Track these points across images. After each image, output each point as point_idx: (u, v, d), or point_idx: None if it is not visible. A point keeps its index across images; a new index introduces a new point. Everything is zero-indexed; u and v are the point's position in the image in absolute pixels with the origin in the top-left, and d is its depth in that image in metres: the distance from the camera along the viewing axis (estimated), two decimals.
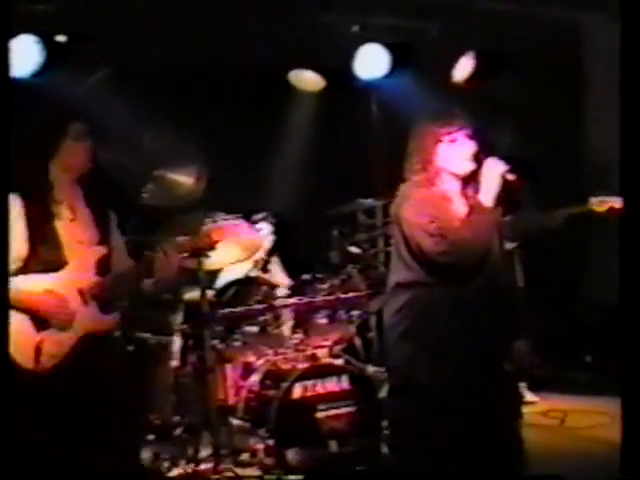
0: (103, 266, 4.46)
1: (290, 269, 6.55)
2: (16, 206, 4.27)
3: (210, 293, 5.82)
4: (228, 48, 7.07)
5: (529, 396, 7.42)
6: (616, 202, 5.54)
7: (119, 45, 6.62)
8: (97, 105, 6.48)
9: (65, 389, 4.29)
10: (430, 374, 4.28)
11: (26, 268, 4.28)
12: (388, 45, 7.85)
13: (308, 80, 7.86)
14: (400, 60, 7.91)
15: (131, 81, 6.80)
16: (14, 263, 4.22)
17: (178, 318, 5.89)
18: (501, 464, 4.33)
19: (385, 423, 5.79)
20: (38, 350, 4.26)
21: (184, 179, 5.51)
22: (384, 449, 5.78)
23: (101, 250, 4.47)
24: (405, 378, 4.43)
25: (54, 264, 4.33)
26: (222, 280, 6.26)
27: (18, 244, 4.23)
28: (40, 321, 4.28)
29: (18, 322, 4.21)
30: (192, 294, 5.80)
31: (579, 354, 8.39)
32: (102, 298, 4.44)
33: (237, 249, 5.80)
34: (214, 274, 6.16)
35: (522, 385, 7.52)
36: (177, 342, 5.85)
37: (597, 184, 7.80)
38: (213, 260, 5.44)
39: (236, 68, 7.25)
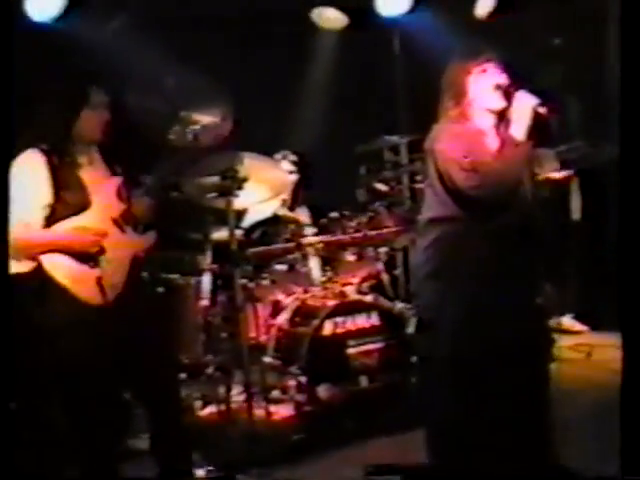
0: (123, 193, 4.62)
1: (316, 208, 6.55)
2: (36, 158, 4.38)
3: (238, 232, 5.83)
4: None
5: (577, 326, 7.49)
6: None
7: None
8: (119, 50, 6.49)
9: (114, 324, 4.41)
10: (459, 310, 4.27)
11: (54, 214, 4.39)
12: None
13: (331, 18, 7.82)
14: None
15: (152, 25, 6.78)
16: (42, 210, 4.36)
17: (207, 258, 5.92)
18: (529, 402, 4.34)
19: (414, 358, 5.84)
20: (100, 284, 4.39)
21: (210, 119, 5.50)
22: (413, 384, 5.83)
23: (117, 179, 4.64)
24: (435, 314, 4.43)
25: (80, 206, 4.44)
26: (250, 219, 6.28)
27: (43, 193, 4.36)
28: (87, 258, 4.38)
29: (69, 263, 4.37)
30: (220, 234, 5.82)
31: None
32: (135, 221, 4.63)
33: (264, 188, 5.81)
34: (242, 213, 6.18)
35: (569, 316, 7.60)
36: (206, 282, 5.89)
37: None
38: (241, 200, 5.45)
39: (259, 7, 7.22)
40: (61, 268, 4.35)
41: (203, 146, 5.35)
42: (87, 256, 4.39)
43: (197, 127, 5.14)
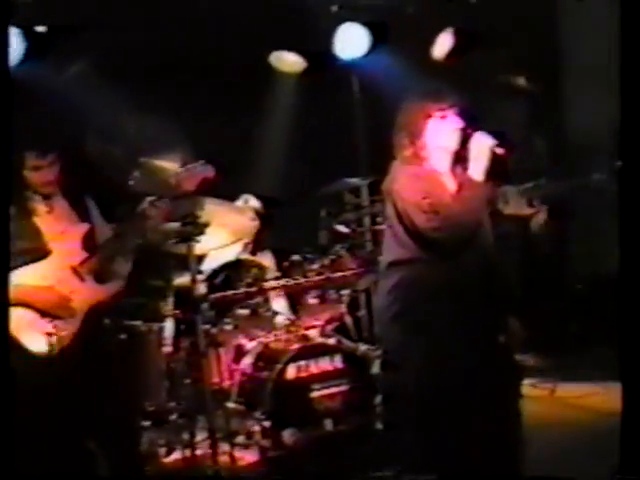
0: (89, 241, 4.64)
1: (279, 251, 6.55)
2: None
3: (200, 278, 5.82)
4: (208, 33, 7.06)
5: (541, 362, 7.56)
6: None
7: (100, 35, 6.60)
8: (79, 95, 6.48)
9: (66, 375, 4.37)
10: (425, 352, 4.29)
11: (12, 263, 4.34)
12: (366, 24, 7.87)
13: (289, 62, 7.86)
14: (379, 39, 7.93)
15: (113, 70, 6.77)
16: None
17: (169, 304, 5.90)
18: (498, 438, 4.36)
19: (379, 400, 5.83)
20: (49, 336, 4.39)
21: (169, 165, 5.50)
22: (378, 426, 5.82)
23: (84, 227, 4.65)
24: (400, 356, 4.43)
25: (38, 254, 4.43)
26: (212, 264, 6.27)
27: None
28: (45, 313, 4.37)
29: (23, 313, 4.39)
30: (182, 279, 5.80)
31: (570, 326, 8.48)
32: (96, 270, 4.60)
33: (226, 232, 5.81)
34: (203, 258, 6.17)
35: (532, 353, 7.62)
36: (169, 328, 5.87)
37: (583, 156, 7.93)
38: (202, 245, 5.44)
39: (217, 53, 7.25)
40: (14, 318, 4.33)
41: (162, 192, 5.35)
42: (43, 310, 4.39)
43: (156, 173, 5.14)
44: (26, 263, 4.44)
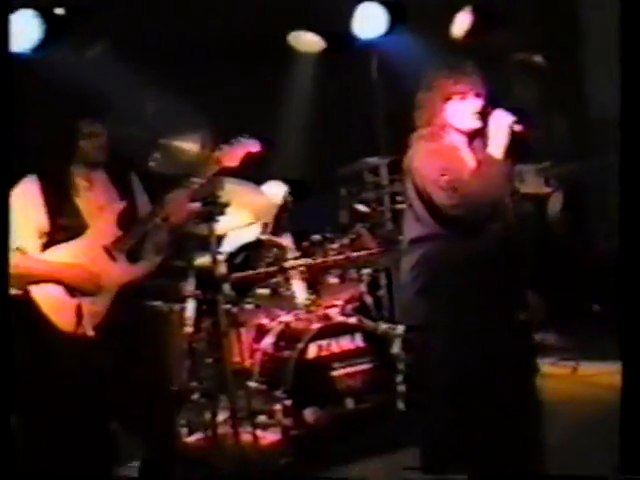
0: (125, 220, 4.60)
1: (299, 231, 6.56)
2: (32, 185, 4.48)
3: (221, 258, 5.84)
4: (228, 13, 7.06)
5: (562, 341, 7.58)
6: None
7: (118, 16, 6.61)
8: (99, 77, 6.49)
9: (94, 355, 4.43)
10: (449, 325, 4.31)
11: (51, 241, 4.47)
12: (385, 3, 7.85)
13: (308, 42, 7.86)
14: (397, 18, 7.92)
15: (132, 51, 6.79)
16: (40, 238, 4.45)
17: (190, 284, 5.92)
18: (518, 418, 4.37)
19: (399, 379, 5.85)
20: (79, 314, 4.41)
21: (190, 146, 5.52)
22: (399, 405, 5.84)
23: (121, 205, 4.62)
24: (426, 330, 4.45)
25: (76, 231, 4.50)
26: (233, 244, 6.28)
27: (38, 220, 4.45)
28: (73, 289, 4.43)
29: (53, 289, 4.43)
30: (203, 259, 5.82)
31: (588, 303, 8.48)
32: (129, 249, 4.59)
33: (246, 213, 5.82)
34: (224, 238, 6.18)
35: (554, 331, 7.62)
36: (190, 308, 5.89)
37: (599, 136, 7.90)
38: (223, 225, 5.46)
39: (236, 33, 7.25)
40: (43, 296, 4.37)
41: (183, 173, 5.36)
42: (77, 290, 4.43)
43: (177, 154, 5.16)
44: (63, 241, 4.48)
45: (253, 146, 4.91)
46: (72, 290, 4.45)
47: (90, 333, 4.43)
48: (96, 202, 4.57)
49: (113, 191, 4.65)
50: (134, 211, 4.66)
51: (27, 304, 4.40)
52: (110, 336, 4.47)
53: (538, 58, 8.09)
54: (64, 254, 4.49)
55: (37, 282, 4.41)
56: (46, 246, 4.46)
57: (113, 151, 4.66)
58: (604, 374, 6.80)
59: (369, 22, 7.86)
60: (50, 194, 4.47)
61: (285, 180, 6.51)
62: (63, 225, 4.46)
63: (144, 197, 4.78)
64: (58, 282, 4.43)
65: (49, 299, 4.41)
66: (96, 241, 4.52)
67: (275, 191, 6.38)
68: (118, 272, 4.57)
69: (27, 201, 4.43)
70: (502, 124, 4.24)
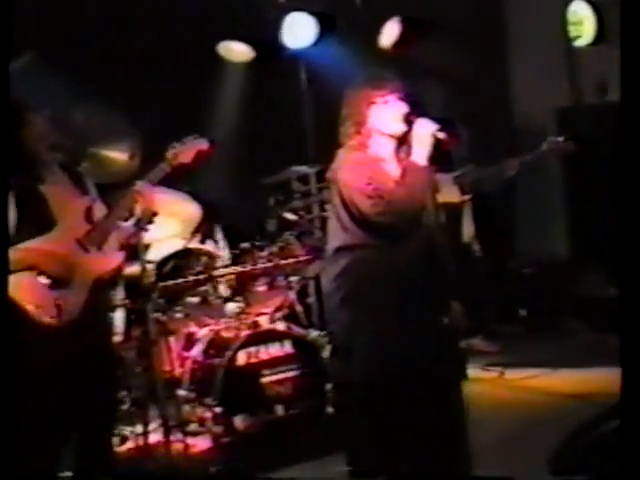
0: (91, 215, 4.68)
1: (229, 238, 6.58)
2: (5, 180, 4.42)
3: (150, 267, 5.84)
4: (157, 23, 7.07)
5: (488, 346, 7.66)
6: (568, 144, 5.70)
7: (46, 25, 6.60)
8: (27, 86, 6.45)
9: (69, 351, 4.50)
10: (371, 336, 4.34)
11: (19, 234, 4.46)
12: (314, 13, 7.92)
13: (237, 51, 7.89)
14: (326, 28, 7.99)
15: (59, 60, 6.77)
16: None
17: (119, 293, 5.91)
18: (442, 422, 4.42)
19: (329, 385, 5.89)
20: (58, 306, 4.47)
21: (118, 155, 5.52)
22: (329, 411, 5.88)
23: (86, 200, 4.70)
24: (348, 341, 4.48)
25: (45, 225, 4.51)
26: (161, 253, 6.29)
27: (11, 214, 4.43)
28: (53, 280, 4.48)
29: (31, 283, 4.45)
30: (132, 269, 5.81)
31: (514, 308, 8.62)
32: (100, 242, 4.66)
33: (175, 221, 5.84)
34: (151, 247, 6.18)
35: (479, 337, 7.72)
36: (119, 317, 5.89)
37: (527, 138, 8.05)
38: (151, 234, 5.46)
39: (166, 43, 7.26)
40: (22, 288, 4.37)
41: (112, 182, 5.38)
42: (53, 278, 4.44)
43: (105, 163, 5.17)
44: (34, 235, 4.47)
45: (203, 145, 5.13)
46: (53, 280, 4.46)
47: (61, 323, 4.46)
48: (62, 195, 4.61)
49: (73, 187, 4.69)
50: (96, 207, 4.73)
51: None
52: (79, 330, 4.51)
53: (451, 63, 8.16)
54: (38, 246, 4.50)
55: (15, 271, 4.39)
56: (14, 240, 4.43)
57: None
58: (530, 378, 6.93)
59: (298, 32, 7.92)
60: (18, 187, 4.47)
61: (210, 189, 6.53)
62: (32, 219, 4.48)
63: (98, 198, 4.84)
64: (37, 270, 4.43)
65: (28, 289, 4.42)
66: (68, 234, 4.56)
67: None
68: (93, 263, 4.62)
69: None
70: (426, 132, 4.30)
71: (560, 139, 6.45)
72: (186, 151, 5.05)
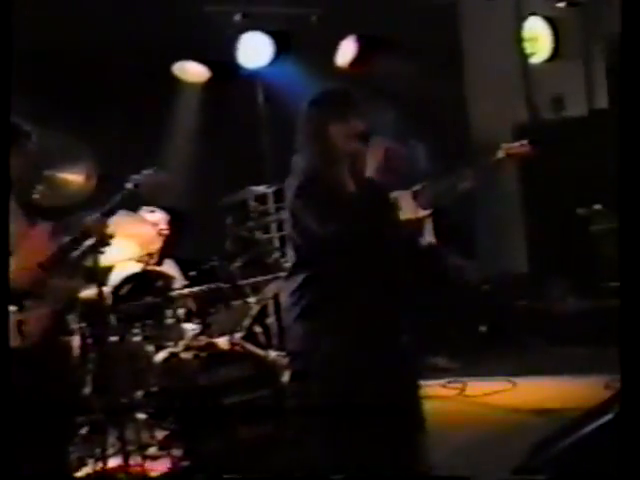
0: (51, 239, 4.74)
1: (186, 260, 6.56)
2: None
3: (106, 290, 5.80)
4: (111, 43, 7.05)
5: (449, 364, 7.67)
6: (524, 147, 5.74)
7: None
8: None
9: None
10: (328, 351, 4.33)
11: None
12: (270, 33, 7.93)
13: (193, 71, 7.88)
14: (282, 47, 8.01)
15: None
16: None
17: (75, 317, 5.86)
18: (404, 437, 4.42)
19: (289, 405, 5.85)
20: (20, 329, 4.47)
21: (74, 178, 5.48)
22: (289, 433, 5.84)
23: (46, 226, 4.79)
24: (305, 359, 4.47)
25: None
26: (118, 276, 6.24)
27: None
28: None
29: None
30: (88, 292, 5.77)
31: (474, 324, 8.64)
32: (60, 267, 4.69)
33: (132, 244, 5.80)
34: (109, 270, 6.14)
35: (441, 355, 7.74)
36: (76, 341, 5.83)
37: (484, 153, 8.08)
38: (108, 256, 5.42)
39: (120, 64, 7.24)
40: None
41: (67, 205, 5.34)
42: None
43: (61, 186, 5.13)
44: None
45: (162, 179, 5.19)
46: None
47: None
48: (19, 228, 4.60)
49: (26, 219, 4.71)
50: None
51: None
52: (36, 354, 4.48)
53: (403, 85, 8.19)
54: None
55: None
56: None
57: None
58: (491, 394, 6.94)
59: (254, 51, 7.93)
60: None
61: (166, 209, 6.48)
62: None
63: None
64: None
65: None
66: (29, 259, 4.53)
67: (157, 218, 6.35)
68: (56, 286, 4.63)
69: None
70: (379, 148, 4.32)
71: (516, 144, 6.47)
72: (147, 185, 5.06)
